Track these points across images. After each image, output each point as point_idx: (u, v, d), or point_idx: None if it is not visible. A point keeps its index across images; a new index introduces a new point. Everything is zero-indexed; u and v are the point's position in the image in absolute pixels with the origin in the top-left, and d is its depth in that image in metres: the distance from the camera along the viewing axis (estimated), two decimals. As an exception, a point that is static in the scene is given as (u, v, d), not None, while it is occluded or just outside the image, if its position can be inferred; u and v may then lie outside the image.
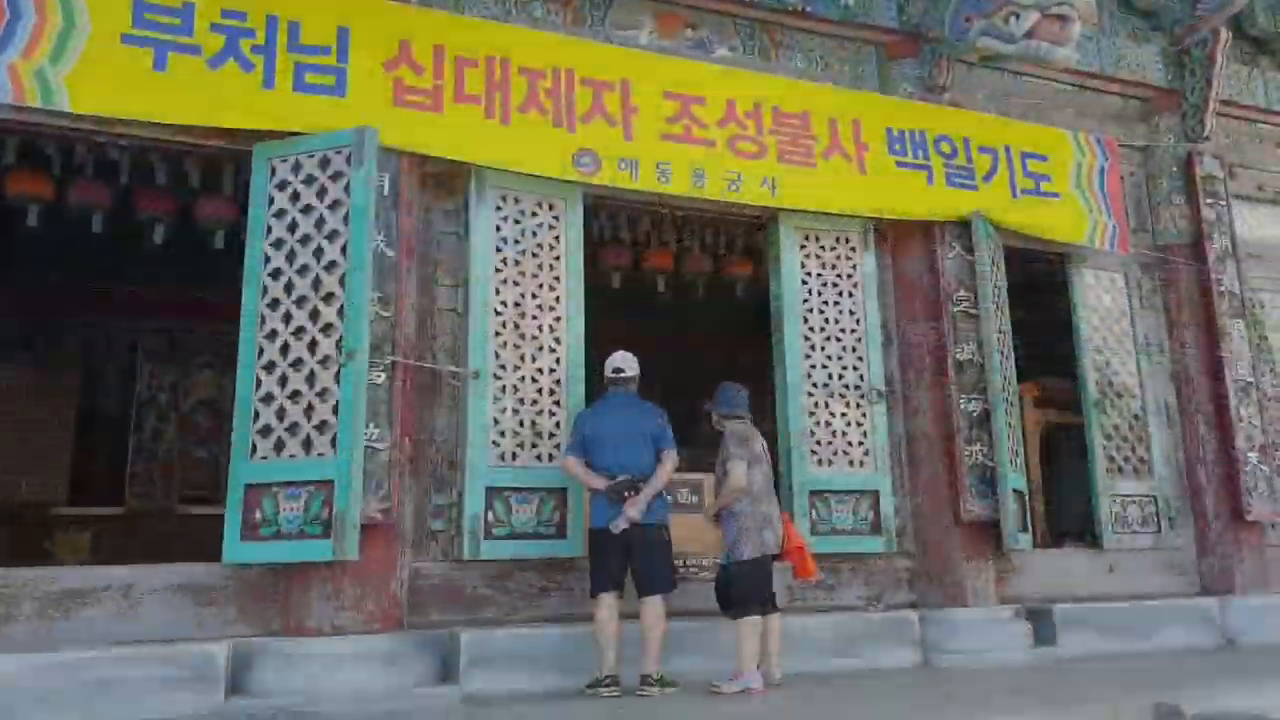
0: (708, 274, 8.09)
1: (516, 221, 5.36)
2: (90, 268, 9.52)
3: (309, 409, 4.49)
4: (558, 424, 5.23)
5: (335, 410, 4.45)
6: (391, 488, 4.59)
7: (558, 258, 5.45)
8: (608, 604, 4.49)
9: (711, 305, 8.83)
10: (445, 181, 5.33)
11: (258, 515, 4.40)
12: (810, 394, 5.92)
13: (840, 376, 6.04)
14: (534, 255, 5.37)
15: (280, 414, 4.51)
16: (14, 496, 9.19)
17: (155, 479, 10.36)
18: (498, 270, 5.22)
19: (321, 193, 4.71)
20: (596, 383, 5.25)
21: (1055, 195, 6.77)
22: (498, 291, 5.20)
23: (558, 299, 5.40)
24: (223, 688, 4.06)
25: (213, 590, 4.42)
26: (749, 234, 7.21)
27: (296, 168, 4.76)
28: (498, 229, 5.28)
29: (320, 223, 4.68)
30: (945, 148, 6.48)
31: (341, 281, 4.58)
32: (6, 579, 4.07)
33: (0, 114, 4.36)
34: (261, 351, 4.59)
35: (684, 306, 8.66)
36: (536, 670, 4.63)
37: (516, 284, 5.27)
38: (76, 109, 4.33)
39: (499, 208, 5.31)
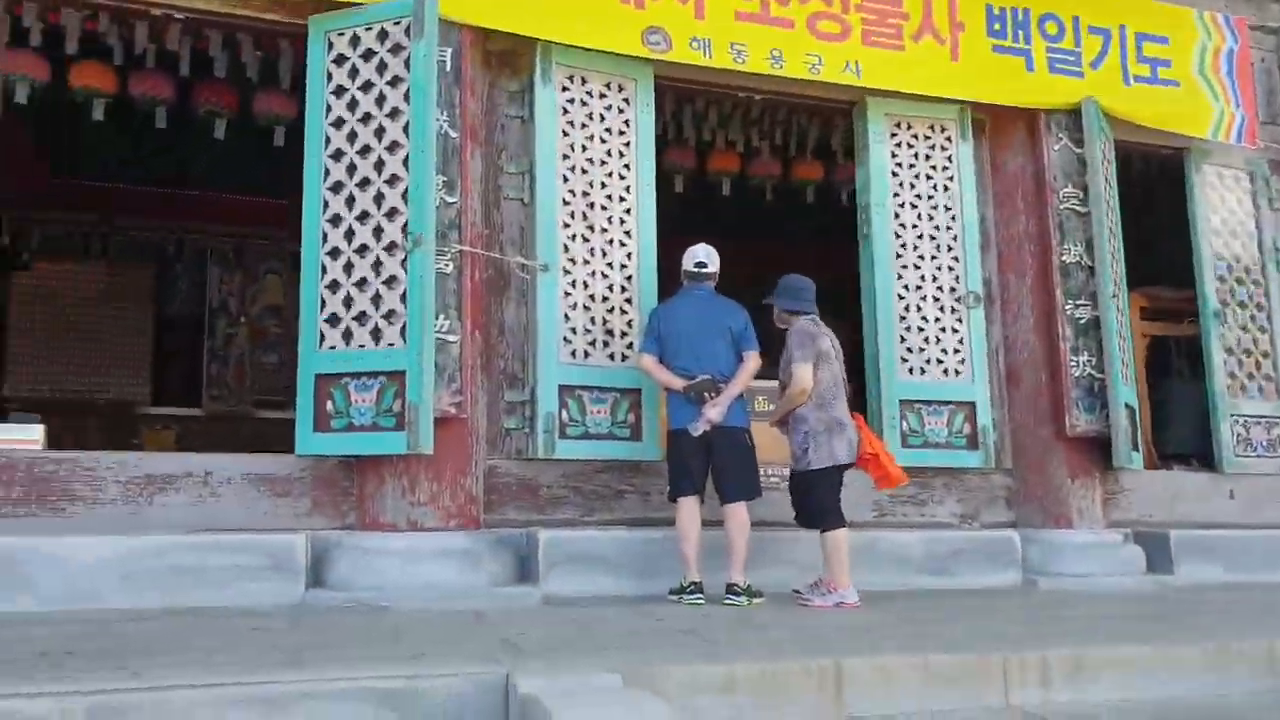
0: (776, 177, 7.71)
1: (584, 104, 5.05)
2: (157, 169, 9.60)
3: (376, 297, 4.32)
4: (630, 323, 4.99)
5: (403, 299, 4.27)
6: (464, 381, 4.42)
7: (628, 144, 5.14)
8: (689, 508, 4.31)
9: (785, 209, 8.46)
10: (509, 60, 5.02)
11: (329, 407, 4.29)
12: (901, 297, 5.56)
13: (934, 279, 5.67)
14: (603, 141, 5.07)
15: (347, 302, 4.36)
16: (103, 396, 9.42)
17: (229, 383, 10.56)
18: (565, 157, 4.94)
19: (381, 68, 4.45)
20: (668, 284, 5.01)
21: (1174, 83, 6.17)
22: (565, 180, 4.92)
23: (628, 189, 5.10)
24: (303, 579, 4.01)
25: (288, 481, 4.35)
26: (824, 129, 6.79)
27: (354, 41, 4.50)
28: (564, 111, 4.97)
29: (381, 100, 4.43)
30: (1051, 28, 5.92)
31: (405, 163, 4.35)
32: (94, 462, 4.04)
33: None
34: (325, 237, 4.41)
35: (757, 208, 8.29)
36: (616, 573, 4.50)
37: (585, 172, 4.99)
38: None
39: (565, 88, 4.99)
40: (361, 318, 4.33)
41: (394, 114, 4.39)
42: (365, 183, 4.40)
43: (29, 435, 4.05)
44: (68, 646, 3.00)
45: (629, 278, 5.02)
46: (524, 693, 2.58)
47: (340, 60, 4.49)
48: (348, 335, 4.34)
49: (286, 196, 10.60)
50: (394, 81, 4.41)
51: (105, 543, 3.79)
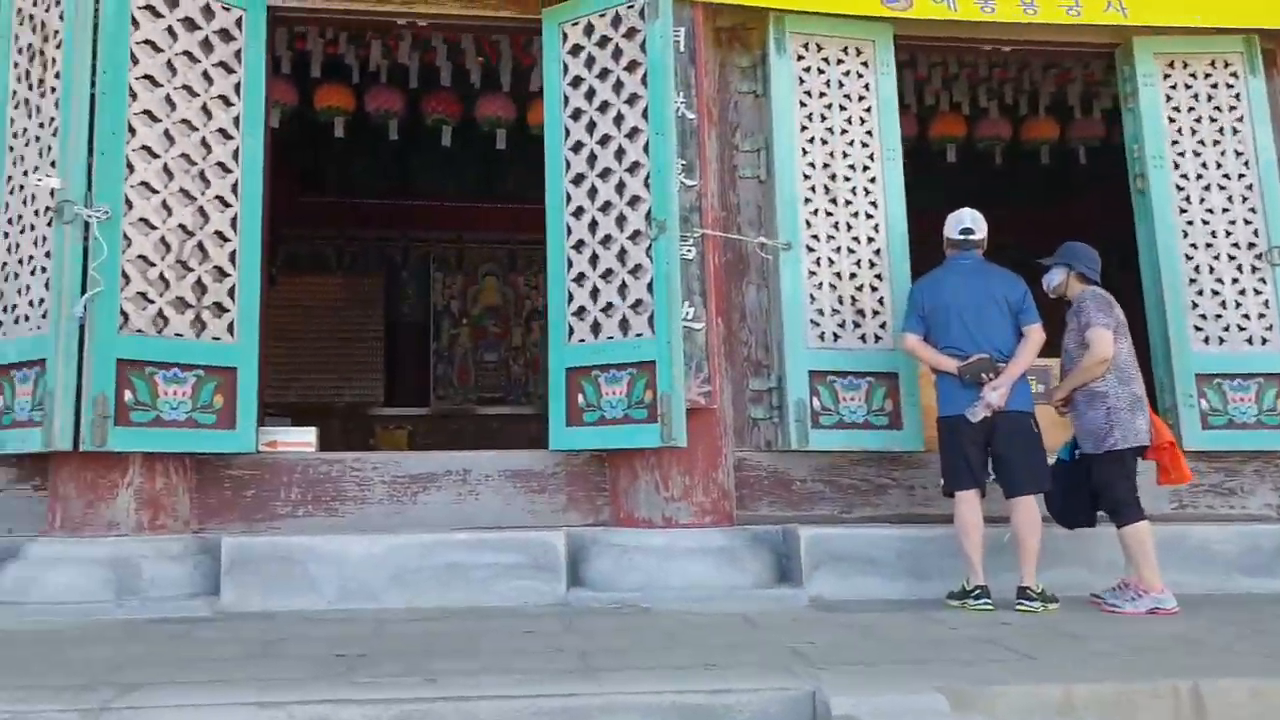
0: (1004, 139, 7.08)
1: (820, 72, 4.71)
2: (385, 184, 10.21)
3: (623, 287, 4.19)
4: (881, 300, 4.61)
5: (649, 288, 4.11)
6: (711, 370, 4.22)
7: (869, 110, 4.76)
8: (969, 503, 3.88)
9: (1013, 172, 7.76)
10: (739, 35, 4.77)
11: (580, 400, 4.21)
12: (1189, 258, 4.85)
13: (1227, 234, 4.90)
14: (842, 109, 4.71)
15: (594, 294, 4.25)
16: (342, 399, 10.05)
17: (453, 382, 11.01)
18: (803, 128, 4.63)
19: (617, 53, 4.31)
20: (918, 256, 4.60)
21: None
22: (804, 152, 4.61)
23: (871, 158, 4.72)
24: (563, 578, 3.94)
25: (542, 478, 4.31)
26: (1061, 83, 6.11)
27: (589, 30, 4.38)
28: (800, 81, 4.66)
29: (618, 86, 4.29)
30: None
31: (645, 149, 4.18)
32: (360, 463, 4.15)
33: (314, 1, 4.31)
34: (570, 230, 4.33)
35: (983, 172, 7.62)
36: (884, 575, 4.15)
37: (824, 143, 4.65)
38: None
39: (800, 58, 4.68)
40: (609, 309, 4.21)
41: (632, 100, 4.24)
42: (607, 173, 4.27)
43: (305, 438, 4.22)
44: (358, 647, 3.03)
45: (877, 252, 4.65)
46: (840, 714, 2.31)
47: (575, 50, 4.39)
48: (595, 327, 4.24)
49: (501, 201, 11.09)
50: (631, 66, 4.26)
51: (376, 542, 3.87)
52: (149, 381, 3.79)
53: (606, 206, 4.26)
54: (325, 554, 3.80)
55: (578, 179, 4.34)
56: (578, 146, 4.35)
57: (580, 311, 4.28)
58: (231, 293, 4.04)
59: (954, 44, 5.22)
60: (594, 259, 4.27)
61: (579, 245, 4.31)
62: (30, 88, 3.92)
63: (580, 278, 4.29)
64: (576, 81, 4.38)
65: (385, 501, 4.18)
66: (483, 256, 11.23)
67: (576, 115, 4.37)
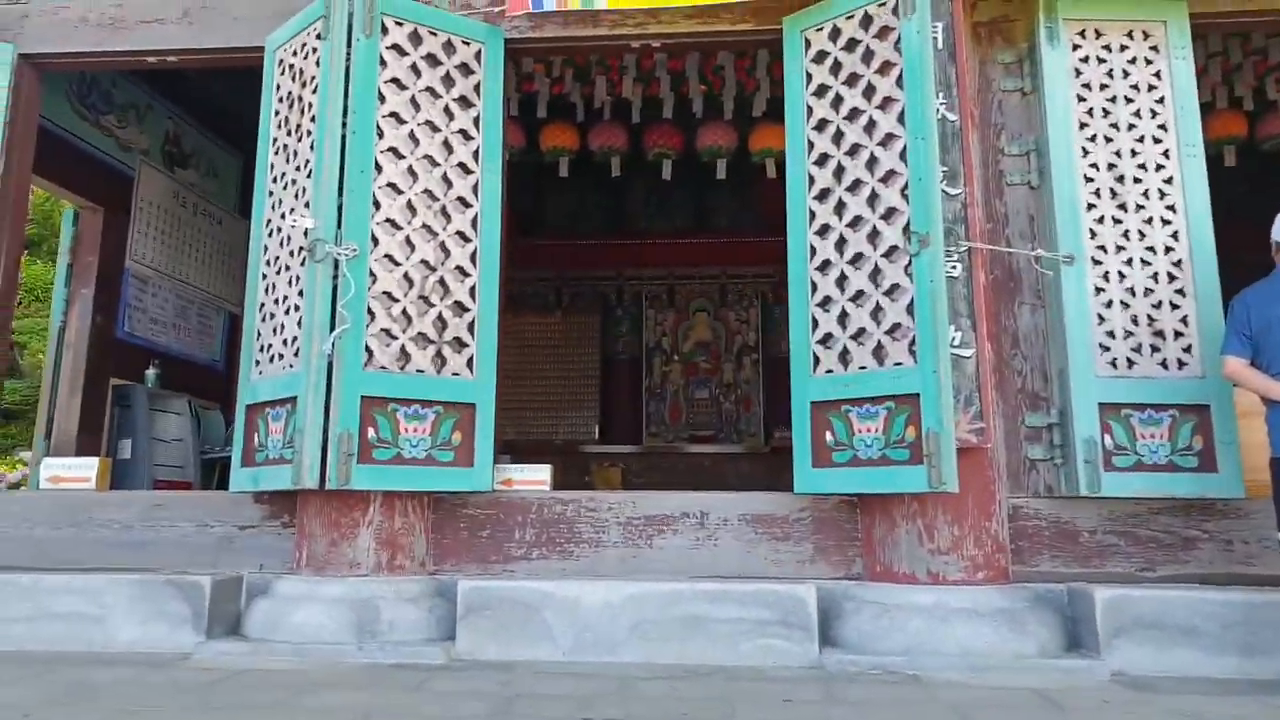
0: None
1: (1101, 61, 4.11)
2: (600, 222, 10.35)
3: (876, 311, 3.75)
4: (1184, 319, 3.91)
5: (909, 310, 3.66)
6: (983, 404, 3.68)
7: (1161, 101, 4.10)
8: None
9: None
10: (999, 29, 4.27)
11: (828, 438, 3.79)
12: None
13: None
14: (1128, 101, 4.08)
15: (842, 319, 3.85)
16: (557, 435, 10.13)
17: (665, 419, 10.91)
18: (1082, 126, 4.04)
19: (867, 56, 3.92)
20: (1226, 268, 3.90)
21: None
22: (1085, 153, 4.02)
23: (1166, 155, 4.04)
24: (815, 637, 3.52)
25: (786, 523, 3.92)
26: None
27: (834, 34, 4.03)
28: (1077, 74, 4.09)
29: (869, 91, 3.90)
30: None
31: (902, 155, 3.76)
32: (595, 503, 3.94)
33: (548, 30, 4.24)
34: (813, 251, 3.95)
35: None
36: (1206, 647, 3.42)
37: (1109, 140, 4.04)
38: (614, 4, 4.04)
39: (1076, 47, 4.11)
40: (860, 335, 3.79)
41: (885, 104, 3.84)
42: (856, 185, 3.88)
43: (539, 476, 4.07)
44: (605, 709, 2.76)
45: (1177, 263, 3.95)
46: None
47: (820, 57, 4.05)
48: (845, 357, 3.82)
49: (712, 236, 10.92)
50: (883, 68, 3.86)
51: (614, 589, 3.61)
52: (391, 418, 3.75)
53: (856, 222, 3.86)
54: (562, 601, 3.58)
55: (822, 194, 3.97)
56: (822, 159, 3.99)
57: (826, 339, 3.88)
58: (471, 328, 3.97)
59: (1261, 19, 4.44)
60: (842, 280, 3.87)
61: (824, 266, 3.92)
62: (289, 133, 4.05)
63: (826, 302, 3.90)
64: (821, 90, 4.03)
65: (620, 544, 3.93)
66: (694, 292, 11.15)
67: (821, 126, 4.02)
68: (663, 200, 11.23)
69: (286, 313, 3.89)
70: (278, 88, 4.19)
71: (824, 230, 3.95)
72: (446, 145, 4.02)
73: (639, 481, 9.66)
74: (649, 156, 7.34)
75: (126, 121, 6.07)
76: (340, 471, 3.58)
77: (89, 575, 3.68)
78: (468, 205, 4.05)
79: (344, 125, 3.80)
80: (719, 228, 11.18)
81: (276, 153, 4.14)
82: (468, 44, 4.10)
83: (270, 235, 4.09)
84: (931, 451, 3.48)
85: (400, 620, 3.59)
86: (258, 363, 4.01)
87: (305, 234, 3.80)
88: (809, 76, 4.08)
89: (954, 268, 3.73)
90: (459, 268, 4.00)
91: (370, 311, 3.77)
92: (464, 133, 4.06)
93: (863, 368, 3.76)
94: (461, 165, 4.04)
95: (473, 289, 4.01)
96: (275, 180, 4.12)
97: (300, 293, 3.81)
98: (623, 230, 10.70)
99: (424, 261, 3.92)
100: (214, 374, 6.97)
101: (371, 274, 3.79)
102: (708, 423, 10.86)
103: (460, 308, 3.98)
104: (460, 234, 4.02)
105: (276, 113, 4.17)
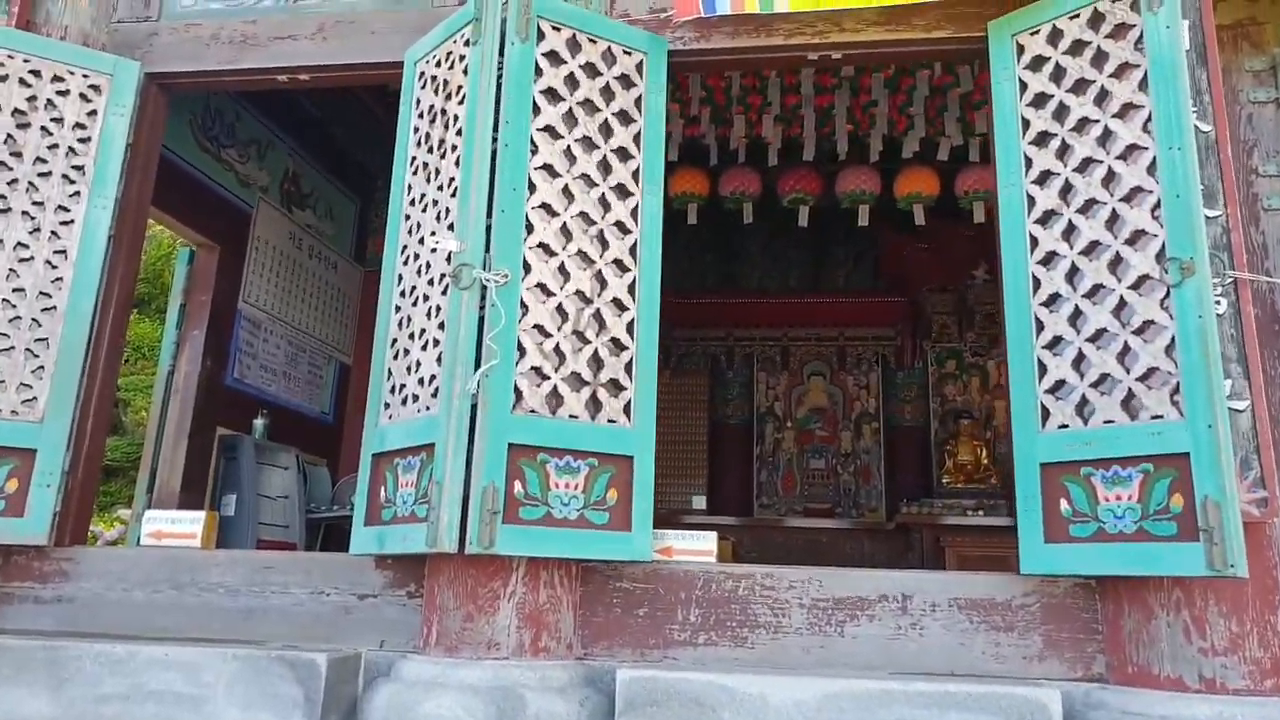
0: None
1: (1371, 68, 3.46)
2: (708, 279, 9.88)
3: (1124, 353, 3.09)
4: None
5: (1168, 351, 2.99)
6: (1263, 468, 2.97)
7: None
8: None
9: None
10: (1245, 32, 3.67)
11: (1064, 507, 3.11)
12: None
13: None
14: None
15: (1078, 364, 3.19)
16: (664, 504, 9.50)
17: (777, 489, 10.28)
18: (1354, 142, 3.37)
19: (1098, 59, 3.34)
20: None
21: None
22: (1359, 173, 3.35)
23: None
24: (1069, 757, 2.80)
25: (1008, 610, 3.21)
26: None
27: (1054, 37, 3.47)
28: (1343, 83, 3.44)
29: (1102, 98, 3.31)
30: None
31: (1150, 170, 3.14)
32: (773, 580, 3.30)
33: (716, 41, 3.78)
34: (1036, 283, 3.32)
35: None
36: None
37: (1388, 159, 3.36)
38: (796, 6, 3.56)
39: (1340, 52, 3.47)
40: (1103, 383, 3.12)
41: (1124, 112, 3.24)
42: (1090, 205, 3.26)
43: (704, 545, 3.46)
44: None
45: None
46: None
47: (1037, 63, 3.49)
48: (1083, 409, 3.15)
49: (832, 292, 10.33)
50: (1120, 71, 3.28)
51: (806, 686, 2.95)
52: (540, 471, 3.21)
53: (1092, 248, 3.23)
54: (745, 699, 2.93)
55: (1046, 217, 3.36)
56: (1044, 177, 3.39)
57: (1058, 388, 3.22)
58: (629, 368, 3.44)
59: None
60: (1076, 317, 3.23)
61: (1051, 301, 3.29)
62: (429, 150, 3.65)
63: (1055, 343, 3.25)
64: (1040, 100, 3.45)
65: (804, 631, 3.27)
66: (809, 354, 10.55)
67: (1041, 140, 3.43)
68: (776, 256, 10.73)
69: (424, 348, 3.42)
70: (417, 103, 3.81)
71: (1049, 259, 3.32)
72: (604, 164, 3.55)
73: (751, 557, 8.93)
74: (784, 202, 6.85)
75: (248, 156, 5.86)
76: (484, 532, 3.04)
77: (189, 648, 3.18)
78: (626, 231, 3.56)
79: (494, 139, 3.37)
80: (835, 286, 10.60)
81: (415, 173, 3.73)
82: (629, 54, 3.67)
83: (406, 263, 3.65)
84: (1211, 526, 2.78)
85: (547, 715, 2.98)
86: (387, 405, 3.53)
87: (449, 259, 3.35)
88: (1023, 85, 3.51)
89: (1219, 302, 3.06)
90: (616, 300, 3.49)
91: (520, 347, 3.27)
92: (623, 151, 3.59)
93: (1108, 422, 3.08)
94: (620, 186, 3.57)
95: (630, 324, 3.49)
96: (413, 203, 3.71)
97: (441, 325, 3.34)
98: (734, 287, 10.22)
99: (579, 292, 3.42)
100: (322, 427, 6.61)
101: (522, 305, 3.30)
102: (824, 495, 10.15)
103: (617, 345, 3.46)
104: (618, 262, 3.52)
105: (415, 129, 3.78)
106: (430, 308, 3.45)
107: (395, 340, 3.60)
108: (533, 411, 3.25)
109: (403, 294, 3.64)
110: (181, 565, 3.61)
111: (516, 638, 3.18)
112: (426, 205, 3.62)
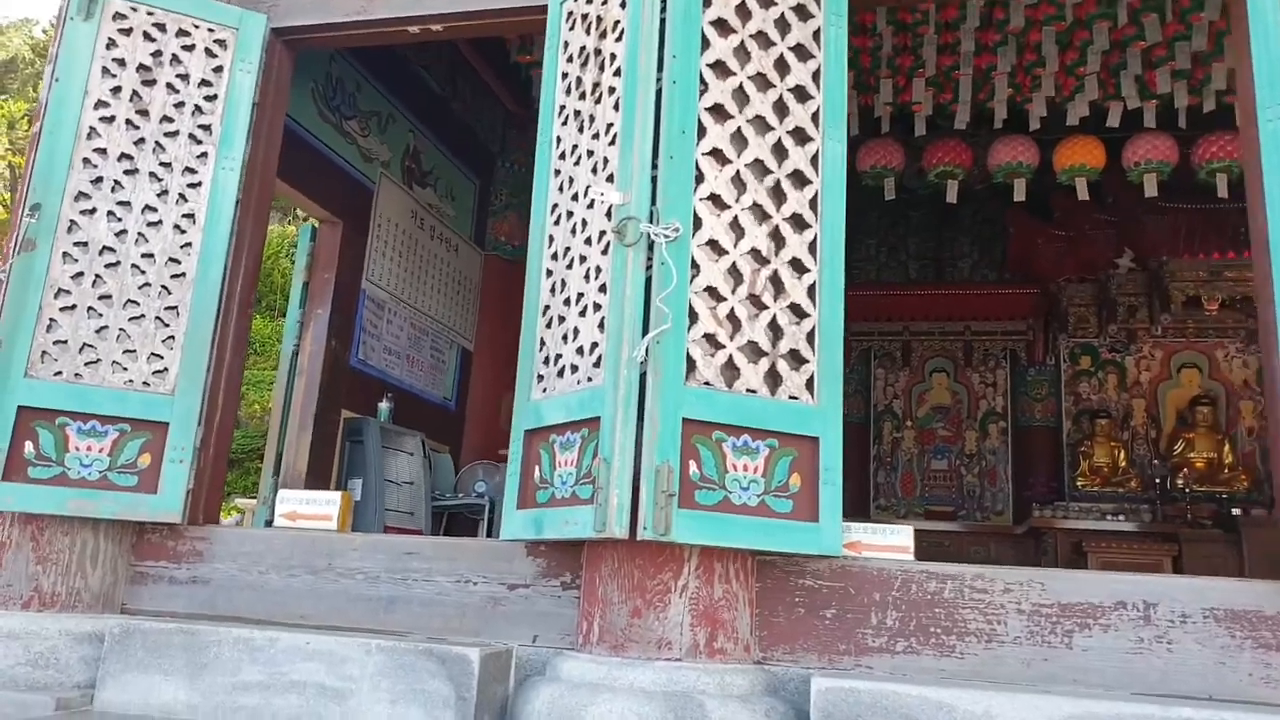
0: None
1: None
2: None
3: None
4: None
5: None
6: None
7: None
8: None
9: None
10: None
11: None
12: None
13: None
14: None
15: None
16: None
17: (896, 491, 9.74)
18: None
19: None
20: None
21: None
22: None
23: None
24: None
25: (1276, 623, 2.68)
26: None
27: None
28: None
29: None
30: None
31: None
32: (985, 581, 2.84)
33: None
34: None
35: None
36: None
37: None
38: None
39: None
40: None
41: None
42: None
43: (900, 540, 3.02)
44: None
45: None
46: None
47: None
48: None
49: (957, 283, 9.72)
50: None
51: (1035, 705, 2.48)
52: (716, 451, 2.83)
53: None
54: (966, 717, 2.48)
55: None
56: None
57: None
58: (810, 338, 3.02)
59: None
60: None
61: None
62: (581, 97, 3.31)
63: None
64: (1308, 14, 2.91)
65: (1024, 640, 2.80)
66: (931, 350, 9.96)
67: (1312, 62, 2.88)
68: (895, 246, 10.17)
69: (581, 314, 3.07)
70: (565, 46, 3.47)
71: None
72: (780, 105, 3.14)
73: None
74: (930, 176, 6.34)
75: (369, 129, 5.66)
76: (659, 517, 2.67)
77: (330, 637, 2.91)
78: (805, 181, 3.14)
79: (658, 78, 3.01)
80: (959, 278, 9.99)
81: (564, 123, 3.39)
82: (808, -21, 3.25)
83: (557, 223, 3.32)
84: None
85: (731, 728, 2.59)
86: (540, 378, 3.20)
87: (608, 215, 3.00)
88: (1284, -1, 2.96)
89: None
90: (795, 260, 3.07)
91: (691, 312, 2.89)
92: (800, 90, 3.18)
93: None
94: (798, 131, 3.15)
95: (812, 288, 3.07)
96: (563, 157, 3.37)
97: (602, 288, 2.99)
98: (850, 279, 9.68)
99: (754, 251, 3.02)
100: (445, 414, 6.39)
101: (693, 264, 2.93)
102: (946, 497, 9.57)
103: (797, 312, 3.05)
104: (796, 218, 3.11)
105: (564, 75, 3.45)
106: (588, 269, 3.10)
107: (548, 307, 3.27)
108: (707, 384, 2.87)
109: (554, 256, 3.30)
110: (318, 548, 3.35)
111: (690, 637, 2.79)
112: (580, 157, 3.28)
